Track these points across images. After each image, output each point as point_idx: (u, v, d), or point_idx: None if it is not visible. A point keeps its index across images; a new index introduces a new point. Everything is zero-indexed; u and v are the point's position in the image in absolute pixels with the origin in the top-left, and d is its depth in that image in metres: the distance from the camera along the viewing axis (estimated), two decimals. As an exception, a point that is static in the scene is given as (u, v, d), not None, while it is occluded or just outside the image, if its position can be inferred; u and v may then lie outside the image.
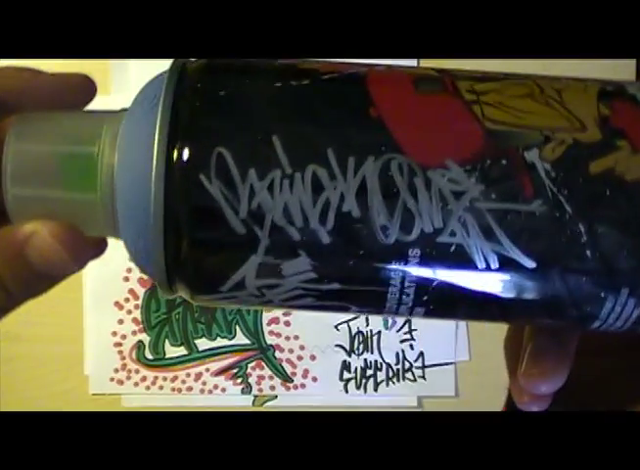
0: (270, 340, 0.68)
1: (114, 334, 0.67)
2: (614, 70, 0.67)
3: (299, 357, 0.68)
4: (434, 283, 0.22)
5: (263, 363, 0.68)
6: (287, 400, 0.68)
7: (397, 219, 0.22)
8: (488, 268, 0.22)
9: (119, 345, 0.67)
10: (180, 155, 0.21)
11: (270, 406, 0.68)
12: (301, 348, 0.68)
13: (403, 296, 0.23)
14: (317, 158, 0.22)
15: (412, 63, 0.67)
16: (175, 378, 0.67)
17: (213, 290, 0.23)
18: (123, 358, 0.67)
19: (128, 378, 0.67)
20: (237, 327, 0.68)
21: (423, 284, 0.22)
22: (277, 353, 0.68)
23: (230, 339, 0.68)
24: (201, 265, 0.23)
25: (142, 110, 0.22)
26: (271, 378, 0.68)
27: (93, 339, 0.67)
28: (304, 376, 0.68)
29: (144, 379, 0.67)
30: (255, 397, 0.68)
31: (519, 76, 0.24)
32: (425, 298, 0.23)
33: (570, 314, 0.23)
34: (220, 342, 0.68)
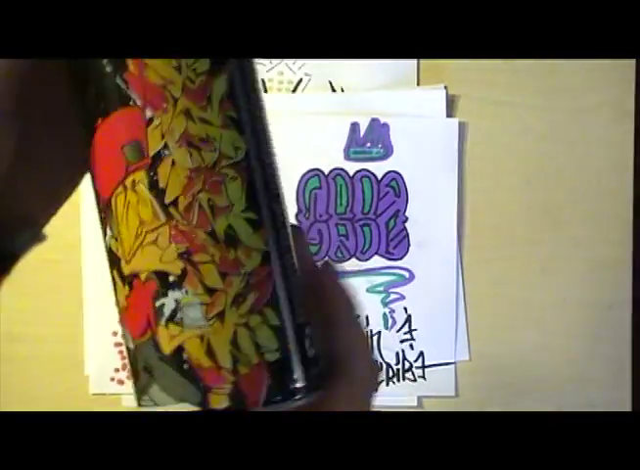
0: (270, 340, 0.68)
1: (115, 334, 0.67)
2: (614, 70, 0.67)
3: (300, 357, 0.68)
4: None
5: (263, 363, 0.68)
6: (287, 400, 0.68)
7: None
8: None
9: (120, 345, 0.67)
10: None
11: (270, 406, 0.68)
12: (301, 348, 0.68)
13: None
14: None
15: (412, 63, 0.67)
16: (175, 378, 0.67)
17: None
18: (124, 358, 0.67)
19: (129, 378, 0.67)
20: (237, 327, 0.68)
21: None
22: (277, 353, 0.68)
23: (230, 339, 0.68)
24: None
25: None
26: (271, 378, 0.68)
27: (93, 339, 0.67)
28: (304, 376, 0.68)
29: (144, 379, 0.67)
30: (255, 397, 0.68)
31: None
32: None
33: None
34: (220, 342, 0.68)
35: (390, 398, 0.68)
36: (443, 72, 0.67)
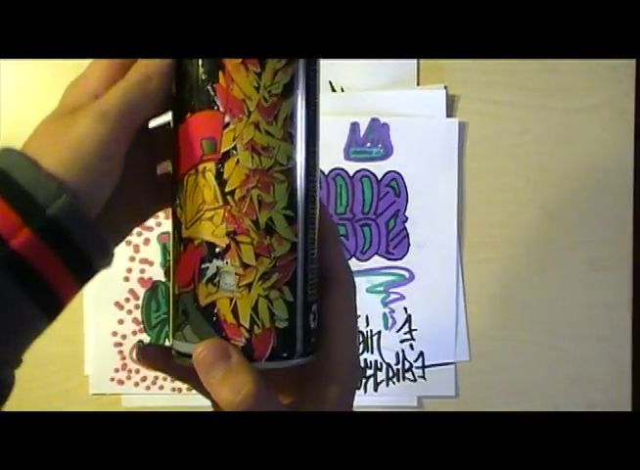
0: (270, 340, 0.68)
1: (115, 334, 0.67)
2: (614, 70, 0.67)
3: (300, 357, 0.68)
4: None
5: (263, 363, 0.68)
6: (287, 400, 0.68)
7: None
8: None
9: (120, 345, 0.67)
10: None
11: (270, 406, 0.68)
12: (301, 348, 0.68)
13: None
14: None
15: (412, 63, 0.67)
16: (175, 378, 0.67)
17: None
18: (124, 358, 0.67)
19: (128, 378, 0.67)
20: (237, 327, 0.68)
21: None
22: (277, 353, 0.68)
23: (230, 339, 0.68)
24: None
25: None
26: (271, 378, 0.68)
27: (93, 339, 0.67)
28: (304, 376, 0.68)
29: (144, 379, 0.67)
30: (255, 397, 0.68)
31: None
32: None
33: None
34: (220, 342, 0.68)
35: (390, 397, 0.68)
36: (443, 72, 0.67)
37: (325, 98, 0.69)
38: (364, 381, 0.68)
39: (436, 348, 0.67)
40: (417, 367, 0.67)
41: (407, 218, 0.67)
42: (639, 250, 0.68)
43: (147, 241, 0.67)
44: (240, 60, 0.31)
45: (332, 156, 0.67)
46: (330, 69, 0.67)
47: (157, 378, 0.67)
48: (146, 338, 0.67)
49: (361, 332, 0.67)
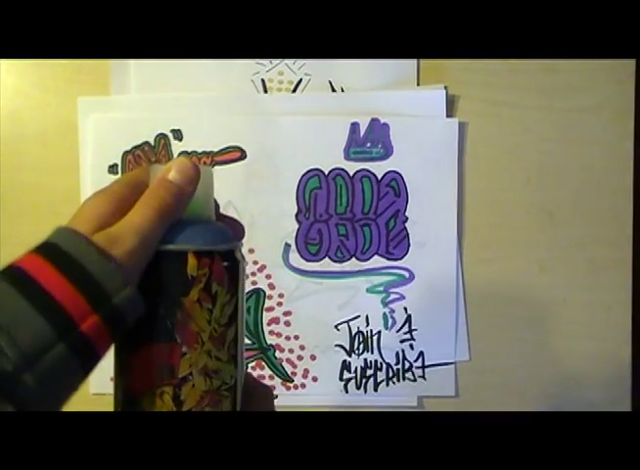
0: (270, 340, 0.68)
1: (115, 334, 0.67)
2: (614, 70, 0.67)
3: (299, 357, 0.68)
4: None
5: (263, 363, 0.68)
6: (287, 400, 0.68)
7: None
8: None
9: (119, 345, 0.67)
10: None
11: (270, 406, 0.68)
12: (301, 348, 0.68)
13: None
14: None
15: (412, 63, 0.67)
16: (175, 378, 0.67)
17: None
18: (123, 358, 0.67)
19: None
20: (237, 327, 0.68)
21: None
22: (277, 353, 0.68)
23: (230, 339, 0.68)
24: None
25: None
26: (271, 378, 0.68)
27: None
28: (304, 376, 0.68)
29: (144, 379, 0.67)
30: (255, 397, 0.68)
31: None
32: None
33: None
34: (220, 342, 0.68)
35: (390, 398, 0.68)
36: (443, 72, 0.67)
37: (325, 98, 0.69)
38: (364, 381, 0.68)
39: (436, 348, 0.67)
40: (417, 367, 0.67)
41: (407, 218, 0.67)
42: (639, 250, 0.68)
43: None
44: (196, 297, 0.34)
45: (332, 156, 0.67)
46: (330, 69, 0.67)
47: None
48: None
49: (361, 332, 0.67)
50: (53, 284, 0.31)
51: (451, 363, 0.67)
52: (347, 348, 0.67)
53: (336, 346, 0.67)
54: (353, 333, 0.67)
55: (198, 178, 0.36)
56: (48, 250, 0.32)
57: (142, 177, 0.37)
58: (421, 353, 0.67)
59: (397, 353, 0.68)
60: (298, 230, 0.67)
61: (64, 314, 0.30)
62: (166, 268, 0.34)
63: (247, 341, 0.68)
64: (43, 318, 0.30)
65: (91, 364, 0.32)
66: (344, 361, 0.68)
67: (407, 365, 0.67)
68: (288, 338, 0.68)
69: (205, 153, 0.67)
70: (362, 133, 0.67)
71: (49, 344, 0.30)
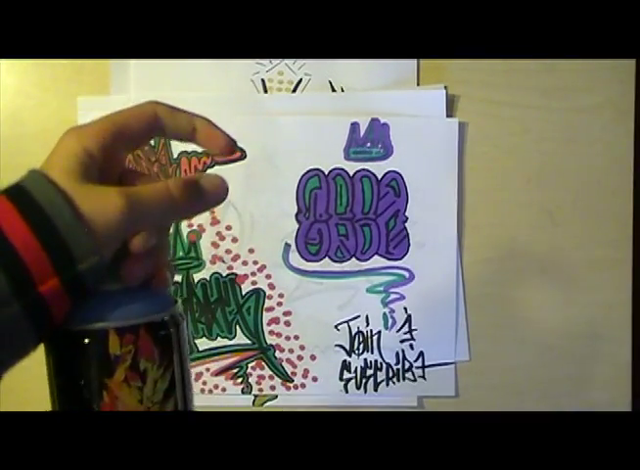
0: (270, 340, 0.68)
1: (115, 334, 0.67)
2: (614, 70, 0.67)
3: (299, 357, 0.68)
4: None
5: (263, 363, 0.68)
6: (287, 400, 0.68)
7: None
8: None
9: (119, 345, 0.67)
10: None
11: (270, 406, 0.68)
12: (301, 348, 0.68)
13: None
14: None
15: (412, 63, 0.67)
16: (175, 378, 0.67)
17: None
18: (123, 358, 0.67)
19: (128, 378, 0.67)
20: (237, 327, 0.68)
21: None
22: (277, 353, 0.68)
23: (230, 339, 0.68)
24: None
25: None
26: (271, 378, 0.68)
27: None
28: (304, 376, 0.68)
29: (144, 379, 0.67)
30: (256, 396, 0.68)
31: None
32: None
33: None
34: (220, 342, 0.68)
35: (390, 398, 0.68)
36: (443, 72, 0.67)
37: (325, 98, 0.69)
38: (364, 381, 0.68)
39: (436, 348, 0.67)
40: (417, 367, 0.67)
41: (407, 218, 0.67)
42: (639, 250, 0.68)
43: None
44: (122, 377, 0.31)
45: (332, 156, 0.67)
46: (330, 69, 0.67)
47: (157, 378, 0.67)
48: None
49: (361, 332, 0.67)
50: (17, 235, 0.28)
51: (451, 363, 0.67)
52: (347, 348, 0.67)
53: (336, 346, 0.67)
54: (353, 333, 0.67)
55: (215, 204, 0.34)
56: (18, 194, 0.29)
57: (148, 111, 0.34)
58: (421, 353, 0.67)
59: (397, 353, 0.68)
60: (298, 230, 0.67)
61: (24, 271, 0.27)
62: (87, 349, 0.31)
63: (247, 341, 0.68)
64: (2, 270, 0.27)
65: (44, 329, 0.30)
66: (344, 361, 0.68)
67: (407, 365, 0.67)
68: (288, 338, 0.68)
69: (204, 153, 0.67)
70: (362, 133, 0.67)
71: (3, 300, 0.27)
